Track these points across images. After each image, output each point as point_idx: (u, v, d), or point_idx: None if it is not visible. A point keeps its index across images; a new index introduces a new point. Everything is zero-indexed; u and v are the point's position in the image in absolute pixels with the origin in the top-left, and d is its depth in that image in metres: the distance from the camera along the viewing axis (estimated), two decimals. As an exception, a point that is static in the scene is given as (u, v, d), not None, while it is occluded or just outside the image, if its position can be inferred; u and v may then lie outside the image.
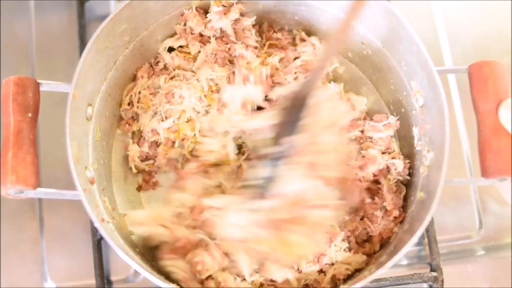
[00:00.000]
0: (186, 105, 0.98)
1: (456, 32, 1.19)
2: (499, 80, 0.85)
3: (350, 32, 0.87)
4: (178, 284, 0.89)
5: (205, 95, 0.99)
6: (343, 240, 0.95)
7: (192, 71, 1.03)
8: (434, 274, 1.01)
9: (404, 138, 1.00)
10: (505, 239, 1.09)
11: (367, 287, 0.99)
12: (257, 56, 1.00)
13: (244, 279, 0.90)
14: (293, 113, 0.88)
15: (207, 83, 0.99)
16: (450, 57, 1.18)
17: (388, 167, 0.97)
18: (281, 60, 1.01)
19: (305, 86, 0.88)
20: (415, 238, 0.81)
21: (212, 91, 1.00)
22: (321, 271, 0.93)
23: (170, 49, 1.04)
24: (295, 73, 0.99)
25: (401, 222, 0.96)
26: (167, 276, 0.90)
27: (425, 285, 1.04)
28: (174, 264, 0.90)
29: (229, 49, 1.01)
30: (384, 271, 0.81)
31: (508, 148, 0.82)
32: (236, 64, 0.99)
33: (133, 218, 0.94)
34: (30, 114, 0.84)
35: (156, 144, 1.02)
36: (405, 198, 0.97)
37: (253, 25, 1.03)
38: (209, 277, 0.91)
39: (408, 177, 0.97)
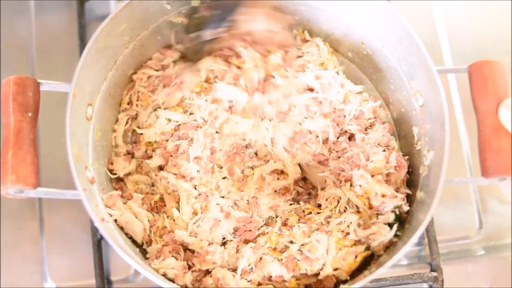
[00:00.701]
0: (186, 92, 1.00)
1: (456, 32, 1.19)
2: (499, 80, 0.85)
3: None
4: (173, 282, 0.89)
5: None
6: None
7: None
8: (434, 274, 1.01)
9: (404, 138, 1.00)
10: (505, 239, 1.09)
11: (367, 287, 0.99)
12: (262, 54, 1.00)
13: (243, 277, 0.90)
14: None
15: (206, 73, 1.00)
16: (450, 57, 1.18)
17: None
18: (284, 58, 1.01)
19: None
20: (415, 238, 0.81)
21: (209, 83, 1.01)
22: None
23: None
24: (297, 72, 1.00)
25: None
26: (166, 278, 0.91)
27: (425, 285, 1.04)
28: (163, 266, 0.90)
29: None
30: (384, 271, 0.81)
31: (508, 148, 0.82)
32: (230, 61, 0.99)
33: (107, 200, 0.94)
34: (30, 114, 0.84)
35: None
36: (405, 198, 0.97)
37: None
38: (208, 273, 0.91)
39: (408, 176, 0.97)
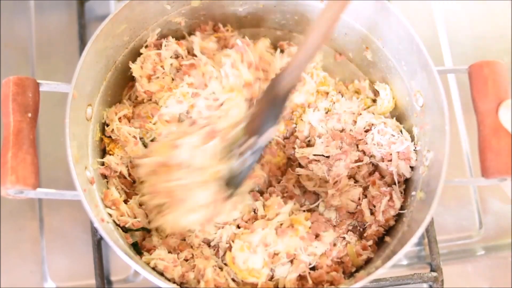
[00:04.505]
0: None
1: (456, 32, 1.19)
2: (499, 80, 0.85)
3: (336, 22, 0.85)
4: (162, 275, 0.89)
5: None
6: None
7: None
8: (434, 274, 1.01)
9: (404, 138, 1.00)
10: (505, 239, 1.09)
11: (367, 287, 0.99)
12: None
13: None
14: (275, 104, 0.89)
15: None
16: (450, 57, 1.18)
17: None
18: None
19: (288, 77, 0.88)
20: (415, 238, 0.81)
21: None
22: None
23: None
24: None
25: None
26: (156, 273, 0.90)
27: (425, 285, 1.04)
28: (154, 256, 0.90)
29: None
30: (384, 271, 0.81)
31: (508, 148, 0.82)
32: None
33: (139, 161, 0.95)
34: (30, 114, 0.84)
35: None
36: (404, 197, 0.97)
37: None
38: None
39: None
